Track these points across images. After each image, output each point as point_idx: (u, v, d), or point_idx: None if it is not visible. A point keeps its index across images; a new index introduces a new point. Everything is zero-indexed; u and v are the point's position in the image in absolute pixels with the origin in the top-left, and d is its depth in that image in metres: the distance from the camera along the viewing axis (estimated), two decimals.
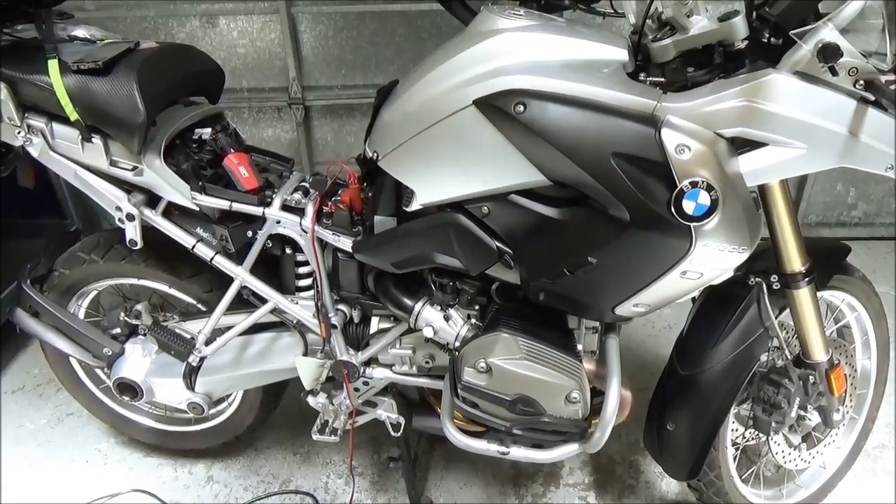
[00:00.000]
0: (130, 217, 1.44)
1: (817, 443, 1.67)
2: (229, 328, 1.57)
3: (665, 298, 1.23)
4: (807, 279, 1.37)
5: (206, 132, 1.53)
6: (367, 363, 1.57)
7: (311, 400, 1.63)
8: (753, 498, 1.62)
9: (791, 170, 1.13)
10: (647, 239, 1.14)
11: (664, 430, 1.48)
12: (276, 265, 1.58)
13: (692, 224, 1.11)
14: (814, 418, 1.55)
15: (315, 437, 1.60)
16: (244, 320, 1.53)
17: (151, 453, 2.03)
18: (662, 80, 1.20)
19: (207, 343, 1.55)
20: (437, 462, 1.95)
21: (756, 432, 1.55)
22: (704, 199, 1.09)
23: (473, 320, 1.38)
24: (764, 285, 1.39)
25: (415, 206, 1.28)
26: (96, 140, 1.38)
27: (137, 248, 1.48)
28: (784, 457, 1.61)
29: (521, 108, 1.12)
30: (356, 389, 1.59)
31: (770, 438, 1.57)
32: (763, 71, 1.08)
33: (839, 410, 1.54)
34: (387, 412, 1.63)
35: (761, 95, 1.07)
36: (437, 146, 1.23)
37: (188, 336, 1.55)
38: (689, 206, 1.09)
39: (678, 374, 1.45)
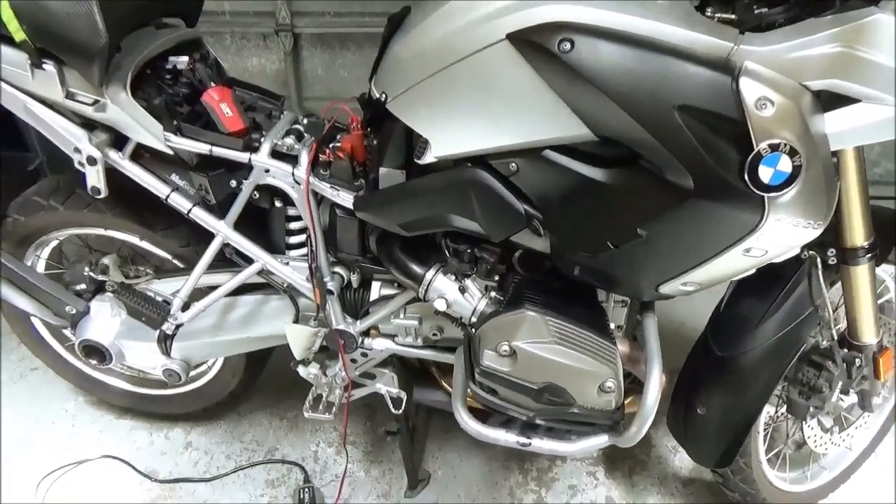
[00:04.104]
0: (92, 161, 1.23)
1: (847, 425, 1.56)
2: (210, 289, 1.38)
3: (719, 277, 1.07)
4: (868, 255, 1.21)
5: (182, 61, 1.31)
6: (367, 333, 1.40)
7: (301, 370, 1.47)
8: (779, 482, 1.51)
9: (885, 132, 0.95)
10: (711, 211, 0.96)
11: (693, 413, 1.35)
12: (264, 219, 1.39)
13: (767, 195, 0.93)
14: (848, 400, 1.43)
15: (307, 414, 1.45)
16: (226, 283, 1.34)
17: (124, 415, 1.87)
18: (732, 16, 1.00)
19: (184, 308, 1.36)
20: (435, 432, 1.82)
21: (788, 415, 1.43)
22: (785, 165, 0.91)
23: (493, 293, 1.21)
24: (818, 259, 1.23)
25: (428, 158, 1.10)
26: (49, 67, 1.15)
27: (101, 196, 1.27)
28: (815, 441, 1.50)
29: (568, 45, 0.92)
30: (353, 361, 1.43)
31: (805, 423, 1.45)
32: (864, 10, 0.88)
33: (880, 394, 1.42)
34: (387, 386, 1.47)
35: (862, 41, 0.88)
36: (459, 89, 1.03)
37: (161, 299, 1.35)
38: (765, 174, 0.91)
39: (714, 354, 1.31)
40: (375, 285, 1.36)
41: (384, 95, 1.14)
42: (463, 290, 1.20)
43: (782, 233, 0.97)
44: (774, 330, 1.25)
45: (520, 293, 1.17)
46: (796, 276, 1.26)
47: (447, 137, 1.07)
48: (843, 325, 1.34)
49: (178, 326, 1.34)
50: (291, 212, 1.35)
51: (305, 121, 1.37)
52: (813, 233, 1.00)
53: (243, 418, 1.87)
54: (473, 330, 1.18)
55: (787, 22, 0.99)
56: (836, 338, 1.33)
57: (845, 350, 1.32)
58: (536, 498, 1.67)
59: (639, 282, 1.09)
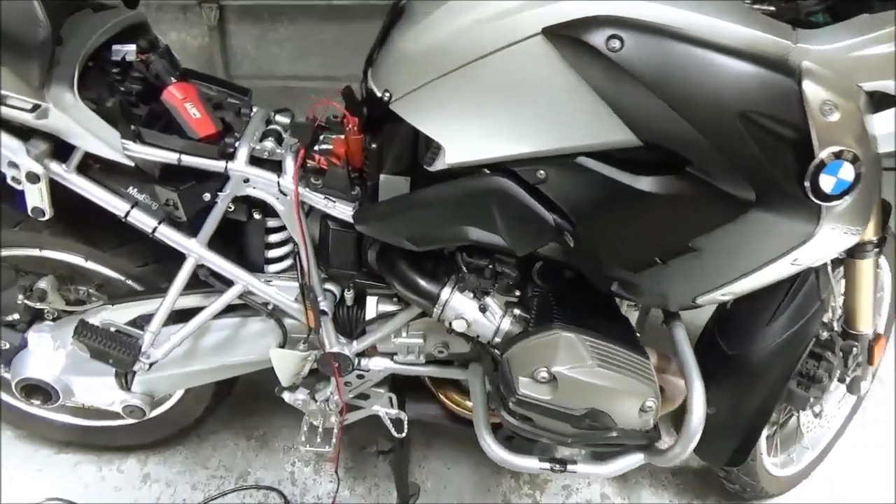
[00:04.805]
0: (33, 178, 1.01)
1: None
2: (180, 314, 1.20)
3: (758, 286, 1.01)
4: (876, 249, 1.21)
5: (130, 51, 1.11)
6: (363, 353, 1.27)
7: (286, 396, 1.32)
8: (773, 469, 1.53)
9: None
10: (767, 222, 0.90)
11: None
12: (236, 231, 1.21)
13: (826, 204, 0.87)
14: (838, 386, 1.45)
15: (303, 448, 1.31)
16: (205, 309, 1.16)
17: (64, 449, 1.65)
18: (771, 8, 0.93)
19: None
20: (415, 439, 1.71)
21: (787, 406, 1.44)
22: (847, 173, 0.85)
23: (517, 310, 1.10)
24: None
25: (440, 165, 0.98)
26: None
27: (45, 217, 1.06)
28: (807, 426, 1.52)
29: (617, 43, 0.83)
30: (347, 384, 1.30)
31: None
32: None
33: (869, 379, 1.45)
34: (384, 407, 1.35)
35: None
36: (482, 89, 0.92)
37: (126, 335, 1.15)
38: (827, 183, 0.86)
39: (722, 352, 1.27)
40: (371, 301, 1.23)
41: (387, 94, 1.00)
42: (483, 308, 1.09)
43: (832, 241, 0.93)
44: (785, 326, 1.23)
45: (546, 310, 1.08)
46: (804, 271, 1.24)
47: (465, 142, 0.95)
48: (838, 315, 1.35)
49: (151, 365, 1.16)
50: (272, 223, 1.19)
51: (277, 117, 1.21)
52: (854, 239, 0.96)
53: (205, 441, 1.70)
54: (497, 351, 1.08)
55: (828, 15, 0.94)
56: (836, 329, 1.34)
57: (845, 340, 1.32)
58: (531, 501, 1.61)
59: (678, 294, 1.02)
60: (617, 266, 0.99)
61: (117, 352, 1.09)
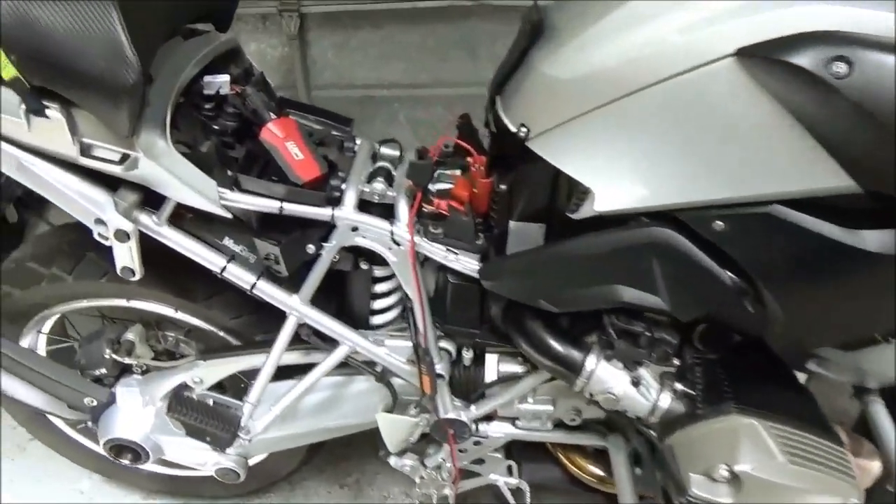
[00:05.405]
0: (123, 236, 0.89)
1: None
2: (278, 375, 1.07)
3: None
4: None
5: (224, 82, 0.97)
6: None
7: (393, 461, 1.18)
8: None
9: None
10: None
11: None
12: (338, 279, 1.07)
13: None
14: None
15: None
16: (305, 381, 1.03)
17: (153, 493, 1.56)
18: None
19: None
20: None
21: None
22: None
23: (678, 385, 0.92)
24: None
25: (587, 212, 0.81)
26: (53, 112, 0.81)
27: (136, 278, 0.94)
28: None
29: (843, 67, 0.63)
30: (461, 450, 1.14)
31: None
32: None
33: None
34: (502, 476, 1.19)
35: None
36: (648, 122, 0.75)
37: (223, 406, 1.03)
38: None
39: None
40: (491, 360, 1.07)
41: (523, 130, 0.83)
42: (636, 381, 0.91)
43: None
44: None
45: (714, 384, 0.89)
46: None
47: (621, 185, 0.79)
48: None
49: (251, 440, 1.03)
50: (378, 272, 1.04)
51: (383, 149, 1.06)
52: None
53: (296, 488, 1.58)
54: (653, 432, 0.90)
55: None
56: None
57: None
58: None
59: (891, 373, 0.82)
60: (821, 343, 0.79)
61: (215, 429, 0.97)
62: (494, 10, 2.06)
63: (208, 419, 0.97)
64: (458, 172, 1.01)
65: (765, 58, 0.66)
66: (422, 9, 2.28)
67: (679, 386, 0.92)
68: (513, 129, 0.85)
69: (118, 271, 0.93)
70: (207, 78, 0.97)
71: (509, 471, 1.19)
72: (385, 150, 1.06)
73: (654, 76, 0.72)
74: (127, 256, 0.91)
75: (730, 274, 0.79)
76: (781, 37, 0.66)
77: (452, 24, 2.27)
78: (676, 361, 0.94)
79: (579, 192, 0.84)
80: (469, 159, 0.94)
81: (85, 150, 0.84)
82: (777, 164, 0.71)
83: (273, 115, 0.94)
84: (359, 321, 1.07)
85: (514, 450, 1.23)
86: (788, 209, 0.72)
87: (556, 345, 0.93)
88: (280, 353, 0.99)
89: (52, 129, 0.82)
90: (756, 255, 0.77)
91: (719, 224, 0.75)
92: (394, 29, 2.35)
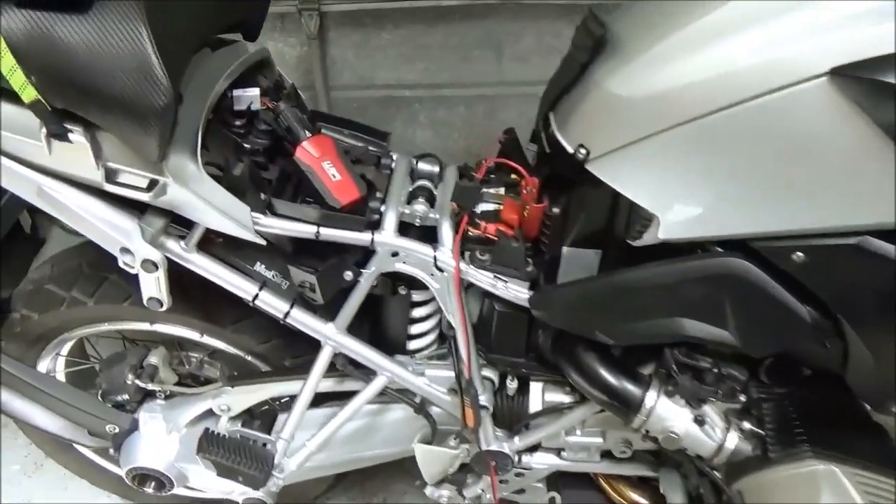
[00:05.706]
0: (150, 266, 0.83)
1: None
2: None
3: None
4: None
5: (254, 96, 0.91)
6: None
7: (429, 491, 1.13)
8: None
9: None
10: None
11: None
12: (371, 304, 1.01)
13: None
14: None
15: None
16: (341, 415, 0.97)
17: None
18: None
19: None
20: None
21: None
22: None
23: (746, 423, 0.86)
24: None
25: (650, 239, 0.74)
26: (76, 136, 0.75)
27: (163, 308, 0.88)
28: None
29: None
30: (503, 482, 1.09)
31: None
32: None
33: None
34: None
35: None
36: (725, 145, 0.69)
37: (254, 442, 0.97)
38: None
39: None
40: (536, 389, 1.01)
41: (582, 151, 0.77)
42: (700, 420, 0.85)
43: None
44: None
45: (785, 424, 0.83)
46: None
47: (690, 212, 0.73)
48: None
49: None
50: (417, 297, 0.99)
51: (421, 165, 1.00)
52: None
53: None
54: (718, 474, 0.84)
55: None
56: None
57: None
58: None
59: None
60: None
61: (248, 468, 0.91)
62: (518, 9, 1.99)
63: (240, 458, 0.91)
64: (502, 191, 0.95)
65: (861, 78, 0.60)
66: (444, 7, 2.21)
67: (747, 425, 0.86)
68: (570, 150, 0.78)
69: (144, 301, 0.87)
70: (237, 92, 0.91)
71: (551, 503, 1.13)
72: (423, 167, 1.00)
73: (734, 97, 0.66)
74: (154, 287, 0.85)
75: (808, 308, 0.73)
76: (879, 55, 0.59)
77: (475, 22, 2.20)
78: (742, 398, 0.87)
79: (642, 218, 0.78)
80: (518, 179, 0.87)
81: (110, 176, 0.78)
82: (870, 192, 0.65)
83: (308, 133, 0.88)
84: (395, 347, 1.02)
85: (554, 475, 1.17)
86: (881, 241, 0.66)
87: (611, 379, 0.87)
88: (315, 385, 0.94)
89: (75, 153, 0.76)
90: (841, 289, 0.71)
91: (799, 255, 0.70)
92: (415, 28, 2.28)
